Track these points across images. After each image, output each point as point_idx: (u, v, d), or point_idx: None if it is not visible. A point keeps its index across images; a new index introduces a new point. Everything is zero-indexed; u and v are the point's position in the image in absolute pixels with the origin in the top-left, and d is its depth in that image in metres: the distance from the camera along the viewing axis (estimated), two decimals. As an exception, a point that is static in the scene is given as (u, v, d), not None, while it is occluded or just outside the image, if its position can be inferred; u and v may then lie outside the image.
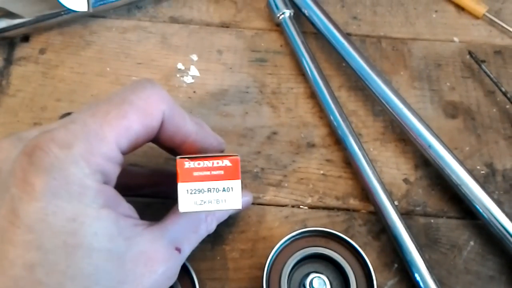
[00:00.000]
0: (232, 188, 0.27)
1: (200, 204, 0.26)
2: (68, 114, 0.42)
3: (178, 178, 0.26)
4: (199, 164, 0.26)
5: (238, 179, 0.27)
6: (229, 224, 0.38)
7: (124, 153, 0.27)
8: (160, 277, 0.27)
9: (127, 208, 0.27)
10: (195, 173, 0.26)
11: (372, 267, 0.33)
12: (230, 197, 0.27)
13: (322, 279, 0.32)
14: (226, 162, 0.27)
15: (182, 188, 0.26)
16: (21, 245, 0.23)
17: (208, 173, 0.26)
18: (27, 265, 0.23)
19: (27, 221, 0.23)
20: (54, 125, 0.26)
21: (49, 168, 0.23)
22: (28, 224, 0.23)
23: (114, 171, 0.26)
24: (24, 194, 0.23)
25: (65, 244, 0.23)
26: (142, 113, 0.27)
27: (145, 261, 0.26)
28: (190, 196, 0.26)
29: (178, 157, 0.27)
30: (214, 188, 0.26)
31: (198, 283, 0.34)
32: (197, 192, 0.26)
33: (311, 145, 0.43)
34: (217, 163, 0.27)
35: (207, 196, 0.26)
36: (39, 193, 0.23)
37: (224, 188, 0.27)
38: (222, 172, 0.27)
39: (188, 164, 0.26)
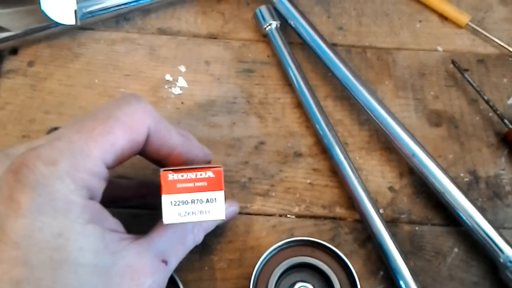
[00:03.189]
0: (215, 199, 0.27)
1: (184, 216, 0.27)
2: (56, 129, 0.43)
3: (162, 190, 0.27)
4: (182, 176, 0.27)
5: (221, 190, 0.27)
6: (217, 234, 0.39)
7: (110, 168, 0.27)
8: (147, 290, 0.27)
9: (113, 222, 0.27)
10: (179, 185, 0.27)
11: (358, 275, 0.33)
12: (213, 208, 0.27)
13: (308, 288, 0.33)
14: (209, 174, 0.27)
15: (166, 200, 0.27)
16: (8, 261, 0.23)
17: (191, 184, 0.27)
18: (13, 281, 0.23)
19: (14, 237, 0.23)
20: (40, 142, 0.26)
21: (35, 185, 0.23)
22: (15, 240, 0.23)
23: (99, 186, 0.26)
24: (10, 211, 0.23)
25: (51, 260, 0.23)
26: (127, 129, 0.27)
27: (131, 275, 0.26)
28: (174, 208, 0.27)
29: (162, 169, 0.27)
30: (197, 200, 0.27)
31: (186, 293, 0.34)
32: (181, 203, 0.27)
33: (298, 155, 0.43)
34: (201, 174, 0.27)
35: (191, 207, 0.27)
36: (25, 209, 0.23)
37: (207, 199, 0.27)
38: (205, 183, 0.27)
39: (172, 176, 0.27)
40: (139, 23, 0.50)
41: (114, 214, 0.28)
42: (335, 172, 0.42)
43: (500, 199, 0.42)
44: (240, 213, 0.40)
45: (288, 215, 0.41)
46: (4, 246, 0.23)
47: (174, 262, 0.30)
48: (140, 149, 0.29)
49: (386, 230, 0.38)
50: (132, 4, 0.49)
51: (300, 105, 0.45)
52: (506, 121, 0.44)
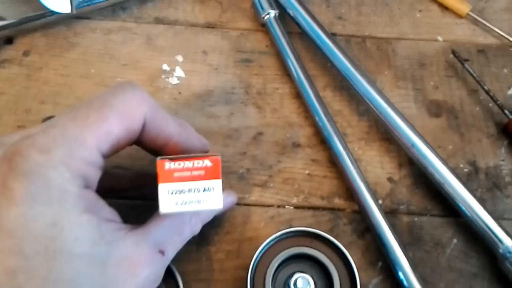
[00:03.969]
0: (213, 188, 0.27)
1: (181, 205, 0.26)
2: (51, 117, 0.42)
3: (158, 179, 0.26)
4: (179, 164, 0.27)
5: (218, 179, 0.27)
6: (214, 225, 0.38)
7: (106, 157, 0.27)
8: (144, 281, 0.27)
9: (109, 212, 0.27)
10: (176, 174, 0.26)
11: (357, 265, 0.33)
12: (211, 197, 0.27)
13: (306, 278, 0.33)
14: (207, 162, 0.27)
15: (163, 189, 0.26)
16: (2, 250, 0.23)
17: (188, 173, 0.27)
18: (8, 271, 0.23)
19: (8, 226, 0.23)
20: (34, 130, 0.25)
21: (28, 173, 0.23)
22: (9, 229, 0.23)
23: (95, 175, 0.26)
24: (4, 200, 0.23)
25: (46, 250, 0.23)
26: (123, 116, 0.27)
27: (128, 265, 0.26)
28: (171, 197, 0.26)
29: (158, 158, 0.27)
30: (195, 189, 0.27)
31: (183, 285, 0.34)
32: (178, 192, 0.26)
33: (297, 145, 0.43)
34: (198, 163, 0.27)
35: (188, 196, 0.26)
36: (19, 198, 0.23)
37: (205, 188, 0.27)
38: (202, 172, 0.27)
39: (169, 165, 0.26)
40: (135, 12, 0.49)
41: (111, 205, 0.28)
42: (334, 163, 0.42)
43: (499, 190, 0.41)
44: (238, 204, 0.40)
45: (287, 206, 0.40)
46: (-3, 235, 0.22)
47: (171, 253, 0.30)
48: (136, 138, 0.28)
49: (385, 221, 0.37)
50: (129, -8, 0.48)
51: (298, 95, 0.45)
52: (506, 111, 0.43)
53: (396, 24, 0.50)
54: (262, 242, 0.34)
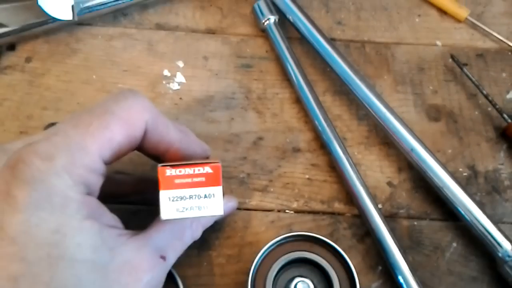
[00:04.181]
0: (213, 194, 0.27)
1: (182, 211, 0.27)
2: (53, 124, 0.42)
3: (159, 186, 0.27)
4: (180, 171, 0.27)
5: (219, 185, 0.27)
6: (215, 230, 0.39)
7: (107, 163, 0.27)
8: (146, 286, 0.27)
9: (111, 218, 0.27)
10: (177, 181, 0.27)
11: (357, 270, 0.33)
12: (211, 203, 0.27)
13: (306, 283, 0.33)
14: (207, 169, 0.27)
15: (164, 195, 0.27)
16: (5, 257, 0.23)
17: (189, 180, 0.27)
18: (11, 277, 0.23)
19: (11, 233, 0.23)
20: (37, 137, 0.26)
21: (31, 181, 0.23)
22: (12, 236, 0.23)
23: (97, 182, 0.26)
24: (7, 206, 0.23)
25: (49, 256, 0.23)
26: (124, 124, 0.27)
27: (130, 271, 0.26)
28: (172, 204, 0.27)
29: (159, 165, 0.27)
30: (195, 195, 0.27)
31: (184, 289, 0.34)
32: (178, 199, 0.27)
33: (297, 150, 0.43)
34: (199, 170, 0.27)
35: (188, 203, 0.27)
36: (22, 205, 0.23)
37: (205, 194, 0.27)
38: (203, 179, 0.27)
39: (170, 171, 0.27)
40: (136, 18, 0.50)
41: (113, 210, 0.28)
42: (334, 167, 0.42)
43: (498, 193, 0.42)
44: (238, 208, 0.40)
45: (287, 211, 0.41)
46: (1, 242, 0.23)
47: (172, 258, 0.30)
48: (137, 144, 0.29)
49: (385, 225, 0.38)
50: (130, -1, 0.48)
51: (298, 100, 0.45)
52: (505, 115, 0.44)
53: (395, 28, 0.51)
54: (263, 247, 0.34)
